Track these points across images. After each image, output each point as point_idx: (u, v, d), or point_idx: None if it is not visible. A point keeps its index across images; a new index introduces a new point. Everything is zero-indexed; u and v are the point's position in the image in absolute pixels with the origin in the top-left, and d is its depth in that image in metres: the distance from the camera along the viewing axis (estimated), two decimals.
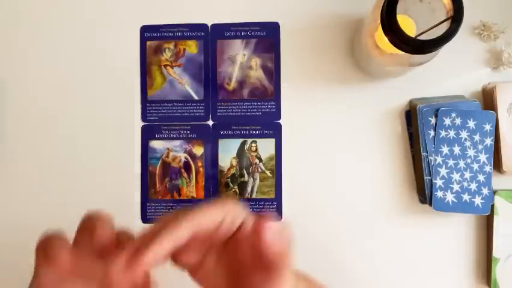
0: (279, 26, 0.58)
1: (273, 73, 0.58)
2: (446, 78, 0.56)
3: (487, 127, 0.53)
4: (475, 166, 0.53)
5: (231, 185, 0.58)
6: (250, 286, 0.32)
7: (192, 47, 0.58)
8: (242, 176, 0.58)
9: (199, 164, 0.58)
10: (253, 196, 0.57)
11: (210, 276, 0.33)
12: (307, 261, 0.57)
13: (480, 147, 0.53)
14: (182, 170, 0.58)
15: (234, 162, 0.58)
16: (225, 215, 0.31)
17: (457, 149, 0.53)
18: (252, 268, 0.32)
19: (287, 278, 0.31)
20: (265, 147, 0.58)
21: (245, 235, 0.32)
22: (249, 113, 0.58)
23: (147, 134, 0.58)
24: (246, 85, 0.58)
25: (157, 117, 0.58)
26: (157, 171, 0.58)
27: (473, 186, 0.53)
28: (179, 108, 0.58)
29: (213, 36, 0.58)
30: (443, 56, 0.48)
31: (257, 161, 0.58)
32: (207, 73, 0.58)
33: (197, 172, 0.58)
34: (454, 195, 0.53)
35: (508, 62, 0.55)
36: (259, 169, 0.57)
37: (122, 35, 0.58)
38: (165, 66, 0.58)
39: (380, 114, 0.57)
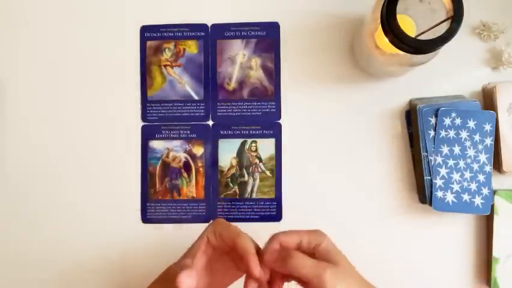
0: (279, 26, 0.58)
1: (273, 73, 0.58)
2: (446, 78, 0.56)
3: (487, 127, 0.53)
4: (475, 166, 0.53)
5: (231, 185, 0.58)
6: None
7: (192, 47, 0.58)
8: (242, 176, 0.58)
9: (199, 164, 0.58)
10: (253, 196, 0.57)
11: None
12: None
13: (480, 147, 0.53)
14: (182, 170, 0.58)
15: (234, 162, 0.58)
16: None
17: (457, 149, 0.53)
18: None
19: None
20: (265, 147, 0.58)
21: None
22: (249, 113, 0.58)
23: (147, 134, 0.58)
24: (246, 85, 0.58)
25: (157, 117, 0.58)
26: (157, 171, 0.58)
27: (473, 186, 0.53)
28: (179, 108, 0.58)
29: (213, 36, 0.58)
30: (443, 56, 0.48)
31: (257, 161, 0.57)
32: (207, 73, 0.58)
33: (197, 172, 0.58)
34: (454, 195, 0.53)
35: (508, 62, 0.55)
36: (259, 169, 0.57)
37: (122, 35, 0.58)
38: (165, 66, 0.58)
39: (380, 114, 0.57)
